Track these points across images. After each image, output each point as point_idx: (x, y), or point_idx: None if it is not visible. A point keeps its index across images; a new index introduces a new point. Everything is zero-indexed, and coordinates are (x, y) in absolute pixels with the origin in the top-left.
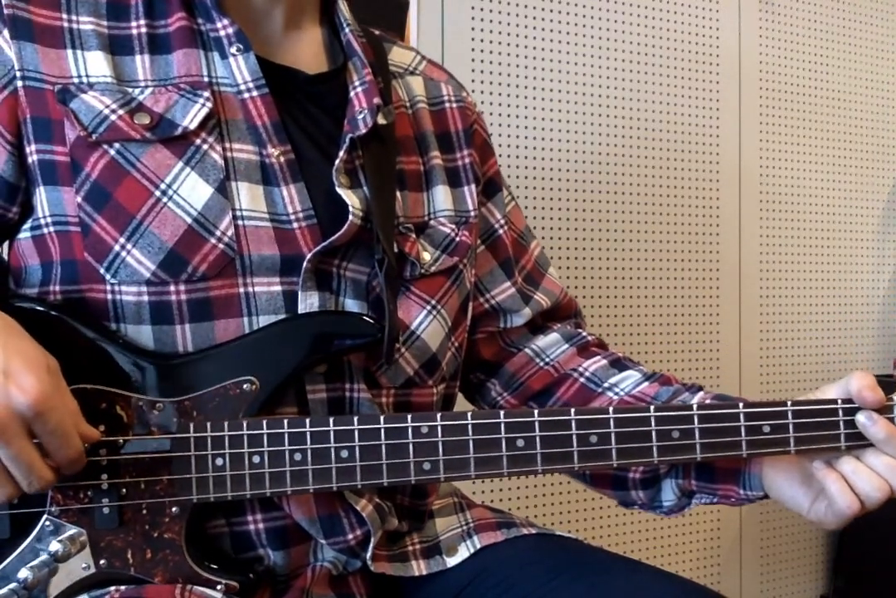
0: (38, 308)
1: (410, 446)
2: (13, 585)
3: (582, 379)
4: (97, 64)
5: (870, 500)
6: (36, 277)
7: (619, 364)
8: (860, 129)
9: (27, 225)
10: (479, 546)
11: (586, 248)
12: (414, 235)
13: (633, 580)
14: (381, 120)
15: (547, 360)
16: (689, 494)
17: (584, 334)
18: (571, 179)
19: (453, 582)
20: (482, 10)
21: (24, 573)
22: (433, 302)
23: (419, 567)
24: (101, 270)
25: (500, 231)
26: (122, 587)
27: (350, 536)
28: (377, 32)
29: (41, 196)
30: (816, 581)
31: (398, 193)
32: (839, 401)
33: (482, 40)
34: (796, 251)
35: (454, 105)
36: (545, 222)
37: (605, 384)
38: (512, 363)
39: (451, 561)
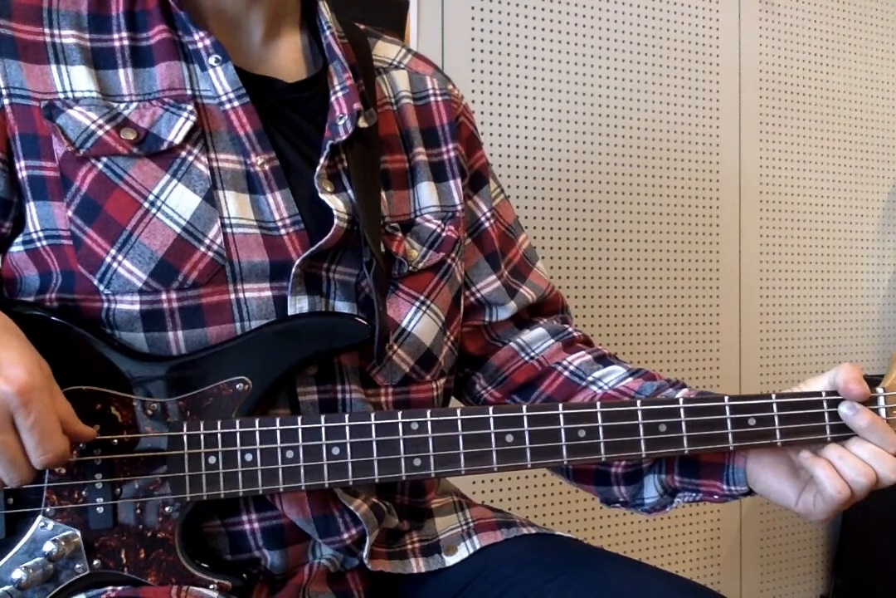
0: (35, 312)
1: (401, 443)
2: (7, 586)
3: (566, 373)
4: (81, 79)
5: (857, 485)
6: (33, 286)
7: (603, 360)
8: (860, 129)
9: (19, 239)
10: (478, 546)
11: (586, 248)
12: (400, 234)
13: (632, 579)
14: (362, 123)
15: (532, 354)
16: (673, 491)
17: (571, 329)
18: (571, 180)
19: (452, 582)
20: (482, 10)
21: (18, 574)
22: (422, 298)
23: (418, 565)
24: (95, 282)
25: (487, 224)
26: (119, 588)
27: (345, 535)
28: (362, 27)
29: (32, 211)
30: (816, 581)
31: (383, 193)
32: (823, 393)
33: (482, 40)
34: (796, 251)
35: (439, 98)
36: (544, 222)
37: (589, 378)
38: (497, 357)
39: (451, 560)
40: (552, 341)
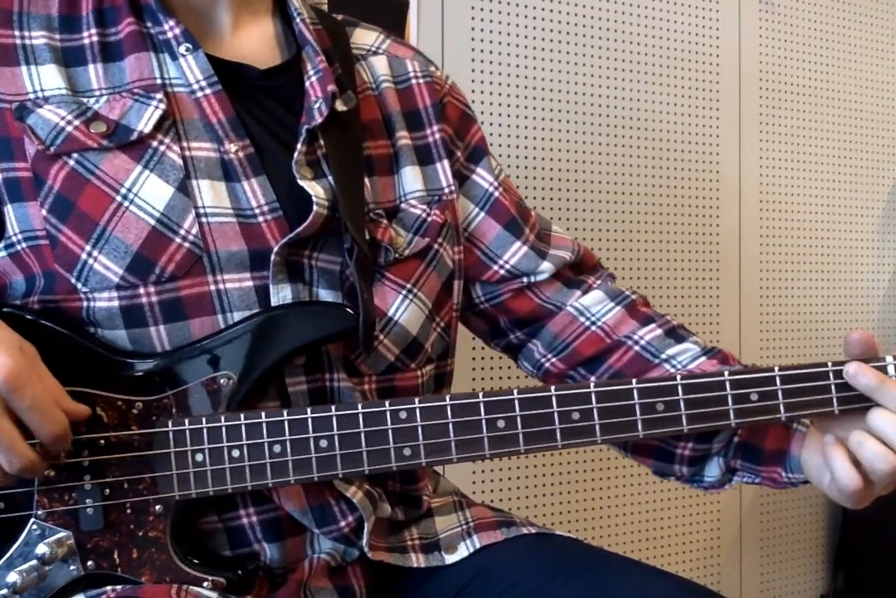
0: (16, 313)
1: (390, 432)
2: (3, 590)
3: (637, 347)
4: (51, 77)
5: (876, 474)
6: (19, 291)
7: (674, 334)
8: (860, 129)
9: (1, 244)
10: (478, 546)
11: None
12: (386, 221)
13: (632, 579)
14: (339, 107)
15: (593, 319)
16: (733, 471)
17: (627, 292)
18: (571, 180)
19: (453, 582)
20: (482, 10)
21: (12, 578)
22: (408, 286)
23: (418, 560)
24: (73, 280)
25: (497, 193)
26: (119, 587)
27: (343, 523)
28: (339, 17)
29: (10, 214)
30: (817, 581)
31: (367, 180)
32: (829, 364)
33: (482, 40)
34: (796, 251)
35: (421, 81)
36: None
37: (663, 356)
38: (554, 323)
39: (450, 559)
40: (613, 304)
